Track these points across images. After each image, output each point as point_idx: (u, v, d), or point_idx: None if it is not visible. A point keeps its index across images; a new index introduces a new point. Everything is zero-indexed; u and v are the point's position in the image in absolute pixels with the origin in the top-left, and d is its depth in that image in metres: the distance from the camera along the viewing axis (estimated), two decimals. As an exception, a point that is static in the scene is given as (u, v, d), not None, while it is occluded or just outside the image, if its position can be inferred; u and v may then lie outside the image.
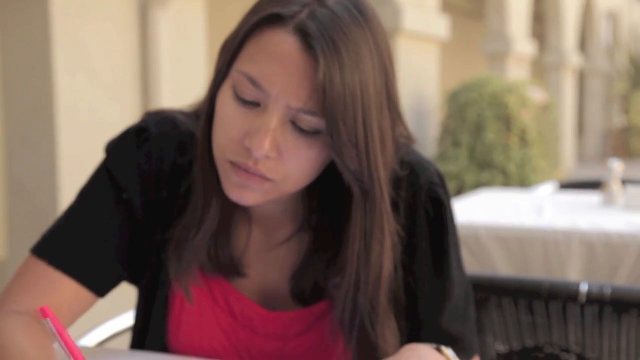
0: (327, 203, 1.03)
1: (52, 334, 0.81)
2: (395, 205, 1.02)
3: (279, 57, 0.88)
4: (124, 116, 3.28)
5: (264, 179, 0.92)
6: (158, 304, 1.08)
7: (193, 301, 1.05)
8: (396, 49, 6.24)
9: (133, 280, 1.11)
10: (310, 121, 0.89)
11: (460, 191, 5.95)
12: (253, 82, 0.89)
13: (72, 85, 3.06)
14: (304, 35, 0.87)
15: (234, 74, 0.92)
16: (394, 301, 1.04)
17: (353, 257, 0.96)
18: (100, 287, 1.06)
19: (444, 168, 6.01)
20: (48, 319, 0.81)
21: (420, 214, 1.05)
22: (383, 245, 0.97)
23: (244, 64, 0.90)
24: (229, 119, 0.92)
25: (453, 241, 1.09)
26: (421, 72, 6.78)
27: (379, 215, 0.95)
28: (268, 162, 0.91)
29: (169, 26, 3.48)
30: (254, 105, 0.91)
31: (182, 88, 3.53)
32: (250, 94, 0.90)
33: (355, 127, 0.88)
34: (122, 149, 1.07)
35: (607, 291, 1.63)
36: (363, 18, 0.91)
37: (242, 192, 0.94)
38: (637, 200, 2.66)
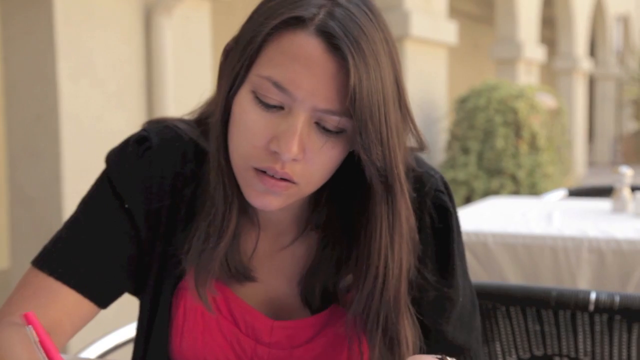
0: (335, 201, 1.03)
1: (34, 341, 0.79)
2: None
3: (304, 59, 0.88)
4: (128, 124, 3.27)
5: (289, 182, 0.92)
6: (160, 314, 1.07)
7: (212, 309, 1.04)
8: (404, 54, 6.24)
9: (135, 291, 1.10)
10: (336, 121, 0.90)
11: (469, 198, 5.93)
12: (278, 85, 0.89)
13: (76, 93, 3.05)
14: (328, 36, 0.87)
15: (253, 79, 0.91)
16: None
17: (380, 252, 0.96)
18: (102, 298, 1.05)
19: (453, 175, 5.98)
20: (30, 326, 0.79)
21: (425, 222, 1.05)
22: (404, 238, 0.97)
23: (265, 68, 0.90)
24: (252, 125, 0.91)
25: (458, 249, 1.08)
26: (429, 77, 6.77)
27: (400, 209, 0.96)
28: (295, 165, 0.91)
29: (173, 33, 3.47)
30: (277, 109, 0.90)
31: (187, 95, 3.52)
32: (274, 98, 0.90)
33: (380, 125, 0.89)
34: (122, 158, 1.06)
35: (616, 299, 1.62)
36: (373, 15, 0.92)
37: (265, 198, 0.94)
38: (648, 206, 2.64)
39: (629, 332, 1.65)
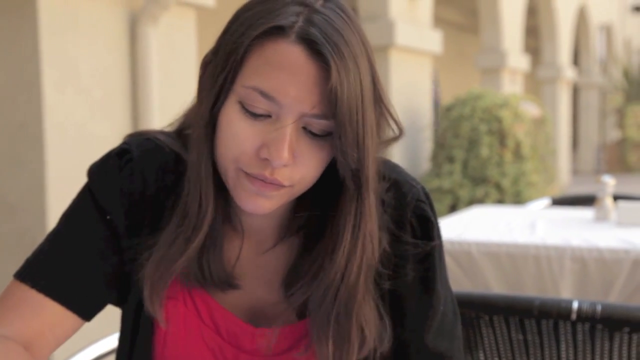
0: (315, 203, 1.04)
1: None
2: (381, 223, 1.02)
3: (287, 66, 0.89)
4: (113, 133, 3.26)
5: (280, 185, 0.94)
6: (143, 324, 1.07)
7: (165, 323, 1.04)
8: (389, 63, 6.25)
9: (118, 302, 1.10)
10: (322, 124, 0.91)
11: (454, 207, 5.94)
12: (264, 94, 0.90)
13: (60, 102, 3.04)
14: (309, 43, 0.89)
15: (239, 90, 0.92)
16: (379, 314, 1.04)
17: (343, 249, 0.97)
18: (86, 311, 1.05)
19: (438, 183, 5.99)
20: None
21: (406, 232, 1.06)
22: (367, 239, 0.98)
23: (251, 79, 0.91)
24: (241, 134, 0.92)
25: (439, 259, 1.09)
26: (414, 87, 6.79)
27: (367, 209, 0.97)
28: (284, 170, 0.93)
29: (159, 42, 3.47)
30: (265, 117, 0.92)
31: (172, 104, 3.51)
32: (262, 107, 0.91)
33: (357, 127, 0.91)
34: (104, 171, 1.06)
35: (598, 308, 1.63)
36: (349, 19, 0.94)
37: (257, 200, 0.95)
38: (629, 215, 2.66)
39: (611, 341, 1.65)
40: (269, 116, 0.92)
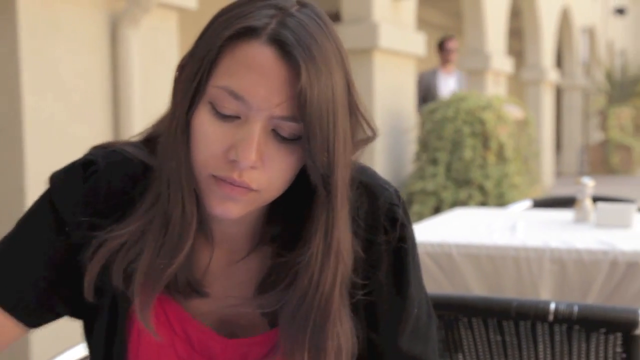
0: (289, 212, 1.03)
1: None
2: (354, 227, 1.02)
3: (258, 67, 0.90)
4: (94, 136, 3.25)
5: (248, 189, 0.93)
6: (117, 339, 1.05)
7: (157, 334, 1.02)
8: (372, 65, 6.26)
9: (76, 315, 1.09)
10: (291, 127, 0.91)
11: (438, 209, 5.95)
12: (234, 94, 0.90)
13: (40, 105, 3.02)
14: (280, 44, 0.89)
15: (210, 90, 0.92)
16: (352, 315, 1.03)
17: (316, 257, 0.96)
18: (30, 319, 1.04)
19: (422, 185, 6.00)
20: None
21: (379, 235, 1.06)
22: (341, 246, 0.98)
23: (222, 79, 0.91)
24: (210, 135, 0.92)
25: (413, 262, 1.09)
26: (398, 89, 6.79)
27: (339, 216, 0.97)
28: (252, 172, 0.92)
29: (140, 44, 3.46)
30: (234, 118, 0.92)
31: (153, 107, 3.49)
32: (231, 107, 0.91)
33: (328, 131, 0.91)
34: (67, 182, 1.04)
35: (575, 309, 1.64)
36: (325, 24, 0.94)
37: (225, 205, 0.94)
38: (607, 217, 2.67)
39: (588, 342, 1.67)
40: (239, 117, 0.92)
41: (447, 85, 7.54)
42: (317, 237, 0.96)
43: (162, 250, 0.98)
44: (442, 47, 7.73)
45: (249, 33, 0.90)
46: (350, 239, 1.00)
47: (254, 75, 0.90)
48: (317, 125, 0.90)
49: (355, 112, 0.97)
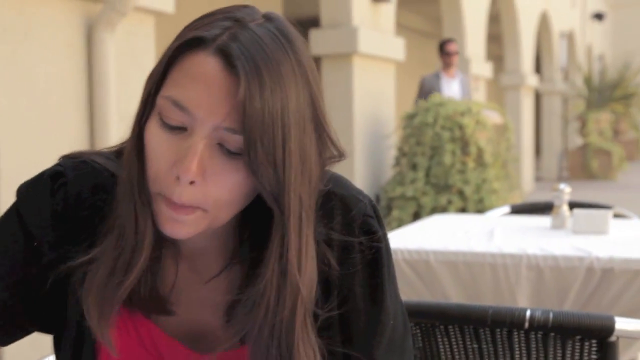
0: (260, 233, 1.00)
1: None
2: (328, 239, 1.01)
3: (202, 78, 0.88)
4: (69, 141, 3.22)
5: (192, 208, 0.90)
6: (85, 354, 1.03)
7: (116, 351, 1.00)
8: (352, 71, 6.26)
9: (46, 330, 1.06)
10: (237, 140, 0.88)
11: (417, 214, 5.95)
12: (178, 105, 0.88)
13: (13, 110, 2.99)
14: (226, 56, 0.88)
15: (159, 101, 0.90)
16: (325, 335, 1.02)
17: (272, 280, 0.94)
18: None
19: (402, 191, 6.00)
20: None
21: (354, 247, 1.04)
22: (301, 270, 0.94)
23: (169, 89, 0.90)
24: (157, 148, 0.90)
25: (388, 273, 1.07)
26: (378, 94, 6.80)
27: (296, 238, 0.93)
28: (192, 191, 0.89)
29: (116, 49, 3.43)
30: (180, 130, 0.90)
31: (129, 112, 3.47)
32: (176, 118, 0.89)
33: (274, 147, 0.88)
34: (35, 194, 1.02)
35: (550, 317, 1.64)
36: (285, 39, 0.92)
37: (173, 225, 0.92)
38: (583, 223, 2.67)
39: (563, 349, 1.67)
40: (185, 129, 0.90)
41: (451, 89, 7.49)
42: (271, 260, 0.93)
43: (117, 266, 0.95)
44: (442, 51, 7.68)
45: (197, 44, 0.89)
46: (314, 264, 0.97)
47: (198, 86, 0.88)
48: (258, 138, 0.87)
49: (320, 128, 0.95)
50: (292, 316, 0.95)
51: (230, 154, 0.89)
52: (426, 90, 7.45)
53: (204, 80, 0.88)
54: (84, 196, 1.01)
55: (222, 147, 0.89)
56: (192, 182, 0.89)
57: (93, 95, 3.36)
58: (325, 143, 0.97)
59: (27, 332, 1.05)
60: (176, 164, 0.89)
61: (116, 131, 3.37)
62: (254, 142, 0.87)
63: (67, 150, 1.07)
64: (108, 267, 0.95)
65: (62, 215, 1.00)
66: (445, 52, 7.63)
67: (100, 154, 1.05)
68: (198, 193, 0.89)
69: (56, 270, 1.00)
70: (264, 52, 0.89)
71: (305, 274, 0.95)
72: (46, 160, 1.09)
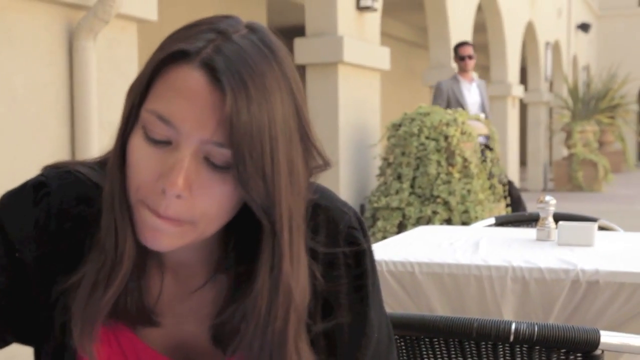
0: (245, 243, 0.99)
1: None
2: (313, 252, 1.01)
3: (187, 92, 0.88)
4: (49, 151, 3.18)
5: (176, 220, 0.90)
6: None
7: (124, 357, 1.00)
8: (337, 80, 6.26)
9: (26, 342, 1.05)
10: (224, 154, 0.88)
11: (402, 225, 5.93)
12: (163, 119, 0.88)
13: (-7, 118, 2.95)
14: (211, 69, 0.87)
15: (143, 114, 0.90)
16: (311, 346, 1.01)
17: (263, 291, 0.93)
18: None
19: (386, 201, 5.98)
20: None
21: (339, 260, 1.04)
22: (294, 279, 0.95)
23: (153, 103, 0.89)
24: (141, 161, 0.90)
25: (373, 285, 1.08)
26: (363, 103, 6.80)
27: (288, 249, 0.93)
28: (179, 204, 0.89)
29: (98, 57, 3.40)
30: (165, 144, 0.89)
31: (111, 121, 3.44)
32: (160, 132, 0.89)
33: (263, 159, 0.88)
34: (18, 204, 1.01)
35: (535, 330, 1.63)
36: (269, 50, 0.91)
37: (156, 235, 0.91)
38: (569, 236, 2.66)
39: (549, 363, 1.65)
40: (170, 143, 0.89)
41: (471, 94, 7.28)
42: (262, 272, 0.93)
43: (98, 280, 0.95)
44: (455, 54, 7.44)
45: (181, 57, 0.89)
46: (306, 274, 0.97)
47: (183, 100, 0.88)
48: (246, 152, 0.87)
49: (305, 140, 0.95)
50: (284, 327, 0.95)
51: (216, 167, 0.89)
52: (443, 95, 7.22)
53: (189, 95, 0.88)
54: (68, 207, 1.00)
55: (208, 161, 0.89)
56: (178, 196, 0.88)
57: (74, 103, 3.32)
58: (311, 153, 0.97)
59: (6, 343, 1.03)
60: (161, 178, 0.88)
61: (98, 140, 3.34)
62: (242, 156, 0.87)
63: (47, 160, 1.07)
64: (90, 281, 0.95)
65: (45, 226, 1.00)
66: (459, 55, 7.39)
67: (84, 164, 1.05)
68: (185, 206, 0.89)
69: (44, 295, 1.00)
70: (248, 65, 0.88)
71: (299, 284, 0.95)
72: (25, 169, 1.08)
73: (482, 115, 7.10)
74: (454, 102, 7.23)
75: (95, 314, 0.95)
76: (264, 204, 0.90)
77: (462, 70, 7.38)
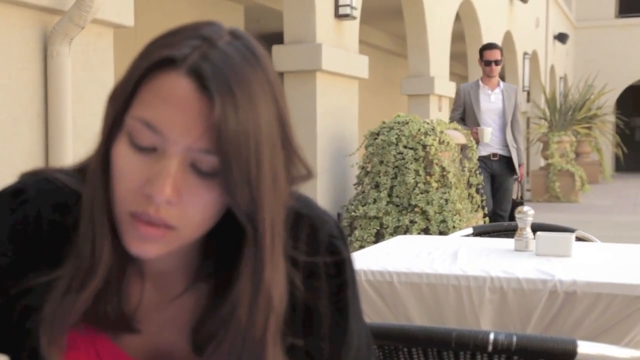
0: (224, 250, 0.99)
1: None
2: (293, 260, 1.01)
3: (174, 99, 0.87)
4: (22, 158, 3.14)
5: (166, 227, 0.89)
6: None
7: None
8: (315, 88, 6.25)
9: (1, 350, 1.03)
10: (210, 161, 0.88)
11: (380, 234, 5.92)
12: (149, 126, 0.87)
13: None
14: (198, 77, 0.87)
15: (128, 121, 0.89)
16: (289, 355, 1.01)
17: (243, 298, 0.93)
18: None
19: (364, 210, 5.97)
20: None
21: (320, 269, 1.05)
22: (274, 287, 0.95)
23: (139, 110, 0.88)
24: (127, 168, 0.89)
25: (353, 294, 1.09)
26: (341, 111, 6.79)
27: (269, 257, 0.93)
28: (169, 208, 0.89)
29: (73, 62, 3.37)
30: (151, 151, 0.89)
31: (86, 128, 3.41)
32: (147, 139, 0.88)
33: (248, 166, 0.88)
34: None
35: (514, 340, 1.63)
36: (254, 57, 0.92)
37: (142, 245, 0.91)
38: (547, 246, 2.67)
39: (527, 374, 1.64)
40: (156, 150, 0.88)
41: (489, 101, 6.79)
42: (243, 278, 0.93)
43: (71, 286, 0.94)
44: (480, 57, 6.89)
45: (167, 64, 0.88)
46: (284, 280, 0.97)
47: (171, 107, 0.87)
48: (233, 159, 0.87)
49: (288, 147, 0.95)
50: (263, 334, 0.94)
51: (202, 174, 0.89)
52: (460, 99, 6.89)
53: (176, 102, 0.87)
54: (45, 214, 1.00)
55: (194, 168, 0.89)
56: (168, 202, 0.88)
57: (49, 110, 3.28)
58: (292, 160, 0.96)
59: None
60: (148, 184, 0.88)
61: (73, 147, 3.31)
62: (229, 163, 0.87)
63: (21, 166, 1.07)
64: (63, 287, 0.94)
65: (22, 234, 0.99)
66: (484, 59, 6.84)
67: (61, 171, 1.04)
68: (173, 212, 0.89)
69: (19, 304, 0.99)
70: (235, 72, 0.89)
71: (278, 290, 0.95)
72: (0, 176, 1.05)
73: (492, 125, 6.76)
74: (469, 107, 6.84)
75: (63, 322, 0.94)
76: (248, 210, 0.90)
77: (486, 75, 6.81)
